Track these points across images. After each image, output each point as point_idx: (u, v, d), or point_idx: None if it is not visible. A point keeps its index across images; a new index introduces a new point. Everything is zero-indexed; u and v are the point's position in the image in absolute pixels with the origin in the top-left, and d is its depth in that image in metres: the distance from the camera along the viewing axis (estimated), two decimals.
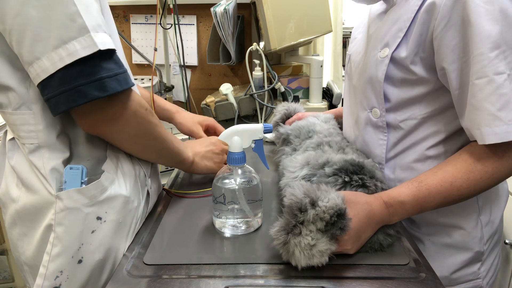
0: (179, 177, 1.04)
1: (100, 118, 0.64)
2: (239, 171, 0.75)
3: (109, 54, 0.61)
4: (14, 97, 0.65)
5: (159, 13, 1.59)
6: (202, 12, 1.78)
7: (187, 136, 1.16)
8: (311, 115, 1.08)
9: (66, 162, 0.69)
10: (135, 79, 1.80)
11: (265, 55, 1.48)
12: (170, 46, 1.70)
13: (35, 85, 0.62)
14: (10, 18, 0.57)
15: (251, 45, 1.47)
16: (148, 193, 0.83)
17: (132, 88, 0.66)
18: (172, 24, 1.57)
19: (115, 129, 0.67)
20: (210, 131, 1.14)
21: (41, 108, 0.65)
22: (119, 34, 1.41)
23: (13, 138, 0.70)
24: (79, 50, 0.57)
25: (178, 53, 1.62)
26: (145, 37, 1.84)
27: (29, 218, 0.68)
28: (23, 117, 0.66)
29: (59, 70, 0.57)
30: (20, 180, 0.68)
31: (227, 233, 0.75)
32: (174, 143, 0.80)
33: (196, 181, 1.01)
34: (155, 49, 1.03)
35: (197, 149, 0.91)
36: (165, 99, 1.76)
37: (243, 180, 0.74)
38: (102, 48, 0.59)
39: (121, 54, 0.80)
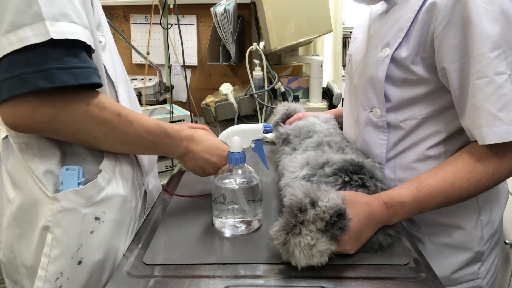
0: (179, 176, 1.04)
1: (40, 111, 0.59)
2: (239, 171, 0.75)
3: (69, 46, 0.58)
4: None
5: (160, 14, 1.59)
6: (202, 12, 1.78)
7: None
8: (311, 115, 1.08)
9: (61, 162, 0.68)
10: (135, 79, 1.80)
11: (265, 55, 1.48)
12: (170, 46, 1.70)
13: None
14: None
15: (251, 45, 1.47)
16: (145, 192, 0.83)
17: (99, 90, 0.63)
18: (172, 24, 1.57)
19: (60, 122, 0.62)
20: None
21: None
22: (120, 34, 1.41)
23: (6, 137, 0.69)
24: (31, 36, 0.55)
25: (182, 52, 1.62)
26: (145, 37, 1.84)
27: (26, 219, 0.67)
28: None
29: (7, 56, 0.55)
30: (16, 180, 0.68)
31: (227, 233, 0.75)
32: (153, 136, 0.73)
33: (196, 182, 1.01)
34: (169, 66, 1.00)
35: (200, 148, 0.81)
36: (165, 99, 1.77)
37: (243, 180, 0.74)
38: (56, 37, 0.56)
39: (116, 55, 0.79)
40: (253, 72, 1.50)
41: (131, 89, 0.84)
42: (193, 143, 0.81)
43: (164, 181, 1.04)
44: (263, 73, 1.49)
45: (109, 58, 0.72)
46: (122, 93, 0.75)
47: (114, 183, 0.72)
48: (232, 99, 1.49)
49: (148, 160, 0.86)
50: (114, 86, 0.73)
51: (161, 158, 1.36)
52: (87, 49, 0.62)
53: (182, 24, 1.76)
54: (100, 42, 0.70)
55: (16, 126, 0.61)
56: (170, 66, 1.67)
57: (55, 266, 0.66)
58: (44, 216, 0.66)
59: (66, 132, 0.65)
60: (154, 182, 0.91)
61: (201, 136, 0.83)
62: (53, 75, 0.56)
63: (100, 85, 0.64)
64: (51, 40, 0.56)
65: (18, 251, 0.69)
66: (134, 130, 0.70)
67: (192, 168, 0.84)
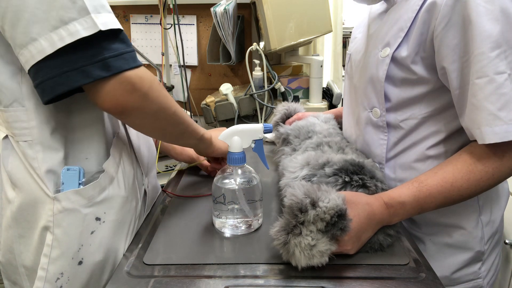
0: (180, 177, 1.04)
1: (114, 97, 0.62)
2: (239, 171, 0.74)
3: (114, 33, 0.60)
4: (5, 94, 0.64)
5: (160, 14, 1.59)
6: (202, 12, 1.78)
7: None
8: (311, 115, 1.08)
9: (63, 161, 0.68)
10: None
11: (265, 55, 1.48)
12: (170, 46, 1.70)
13: (28, 80, 0.61)
14: (5, 0, 0.56)
15: (251, 45, 1.47)
16: (145, 192, 0.83)
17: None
18: (172, 24, 1.57)
19: (135, 106, 0.64)
20: None
21: (34, 104, 0.64)
22: None
23: (6, 137, 0.69)
24: (80, 30, 0.57)
25: (178, 53, 1.62)
26: (145, 37, 1.84)
27: (26, 219, 0.67)
28: (15, 114, 0.65)
29: (59, 51, 0.56)
30: (16, 180, 0.67)
31: (227, 233, 0.75)
32: (189, 118, 0.77)
33: (196, 183, 1.01)
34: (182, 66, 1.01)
35: (212, 130, 0.91)
36: None
37: (243, 180, 0.74)
38: (103, 28, 0.58)
39: None
40: (253, 72, 1.50)
41: None
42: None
43: (164, 181, 1.04)
44: (263, 73, 1.49)
45: None
46: None
47: (115, 183, 0.72)
48: (232, 99, 1.49)
49: (147, 160, 0.86)
50: None
51: (161, 158, 1.36)
52: None
53: (182, 24, 1.76)
54: None
55: (116, 105, 0.62)
56: (182, 66, 1.66)
57: (56, 267, 0.66)
58: (45, 216, 0.66)
59: (152, 111, 0.66)
60: (154, 182, 0.91)
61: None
62: (108, 63, 0.59)
63: (142, 64, 0.65)
64: (100, 31, 0.58)
65: (18, 252, 0.69)
66: (185, 113, 0.74)
67: (224, 145, 0.89)
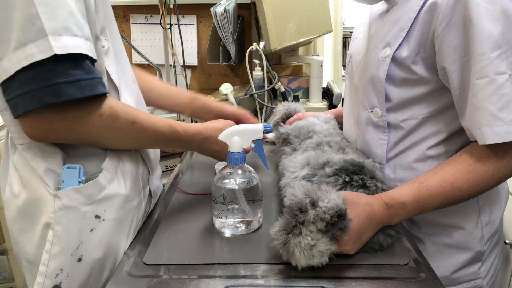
0: (179, 177, 1.04)
1: (57, 125, 0.62)
2: (239, 171, 0.74)
3: (73, 59, 0.59)
4: None
5: (160, 14, 1.59)
6: (202, 12, 1.78)
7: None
8: (311, 115, 1.08)
9: (63, 161, 0.69)
10: None
11: (265, 55, 1.48)
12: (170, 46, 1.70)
13: None
14: None
15: (251, 45, 1.47)
16: (150, 192, 0.83)
17: (109, 96, 0.66)
18: (172, 24, 1.57)
19: (76, 133, 0.65)
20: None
21: None
22: (120, 34, 1.42)
23: None
24: (36, 53, 0.56)
25: (178, 52, 1.62)
26: (145, 37, 1.84)
27: (29, 214, 0.68)
28: (10, 118, 0.65)
29: (18, 72, 0.57)
30: (21, 176, 0.69)
31: (227, 233, 0.75)
32: (157, 126, 0.75)
33: (196, 183, 1.01)
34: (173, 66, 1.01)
35: (211, 141, 0.86)
36: None
37: (243, 180, 0.74)
38: (59, 52, 0.57)
39: (123, 56, 0.80)
40: (253, 72, 1.50)
41: (139, 90, 0.84)
42: (204, 141, 0.85)
43: (164, 181, 1.04)
44: (263, 73, 1.49)
45: (112, 63, 0.72)
46: (126, 97, 0.76)
47: (115, 182, 0.72)
48: (232, 99, 1.49)
49: (154, 158, 0.87)
50: (117, 91, 0.73)
51: (161, 158, 1.36)
52: (90, 59, 0.63)
53: (182, 24, 1.76)
54: (103, 47, 0.70)
55: (36, 139, 0.65)
56: (174, 66, 1.67)
57: (56, 263, 0.66)
58: (46, 213, 0.67)
59: (82, 140, 0.68)
60: (157, 183, 0.92)
61: (211, 135, 0.86)
62: (59, 89, 0.58)
63: (101, 92, 0.64)
64: (56, 55, 0.57)
65: (21, 245, 0.71)
66: (148, 137, 0.74)
67: (212, 153, 0.88)
